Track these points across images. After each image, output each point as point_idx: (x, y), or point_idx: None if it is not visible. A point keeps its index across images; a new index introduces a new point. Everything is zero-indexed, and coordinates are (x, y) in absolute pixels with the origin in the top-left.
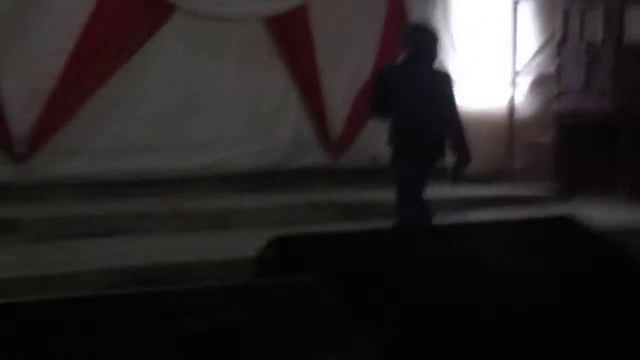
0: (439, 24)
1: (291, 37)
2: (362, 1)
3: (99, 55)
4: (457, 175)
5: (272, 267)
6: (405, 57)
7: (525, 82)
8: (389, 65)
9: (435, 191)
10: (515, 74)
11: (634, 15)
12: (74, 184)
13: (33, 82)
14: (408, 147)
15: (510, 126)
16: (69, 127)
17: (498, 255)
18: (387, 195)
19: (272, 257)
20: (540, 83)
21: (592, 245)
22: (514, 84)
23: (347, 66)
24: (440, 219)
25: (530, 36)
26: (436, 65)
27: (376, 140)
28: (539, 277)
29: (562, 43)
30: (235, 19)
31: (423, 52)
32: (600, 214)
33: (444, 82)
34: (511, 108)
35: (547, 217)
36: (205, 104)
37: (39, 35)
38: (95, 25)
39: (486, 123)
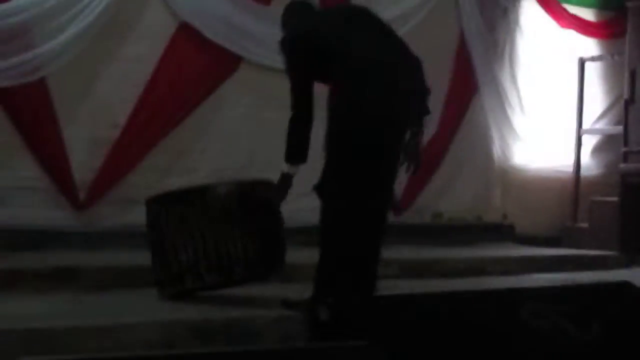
0: (506, 83)
1: None
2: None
3: (164, 105)
4: None
5: (326, 330)
6: None
7: (591, 141)
8: None
9: (498, 251)
10: (582, 132)
11: None
12: (135, 234)
13: (97, 130)
14: None
15: (576, 185)
16: (132, 176)
17: (557, 321)
18: (450, 253)
19: (325, 319)
20: (606, 142)
21: None
22: (580, 143)
23: None
24: (503, 281)
25: (597, 95)
26: None
27: (438, 197)
28: (598, 344)
29: (629, 102)
30: None
31: None
32: None
33: None
34: (577, 167)
35: (608, 283)
36: (269, 158)
37: (105, 84)
38: (161, 75)
39: (552, 182)
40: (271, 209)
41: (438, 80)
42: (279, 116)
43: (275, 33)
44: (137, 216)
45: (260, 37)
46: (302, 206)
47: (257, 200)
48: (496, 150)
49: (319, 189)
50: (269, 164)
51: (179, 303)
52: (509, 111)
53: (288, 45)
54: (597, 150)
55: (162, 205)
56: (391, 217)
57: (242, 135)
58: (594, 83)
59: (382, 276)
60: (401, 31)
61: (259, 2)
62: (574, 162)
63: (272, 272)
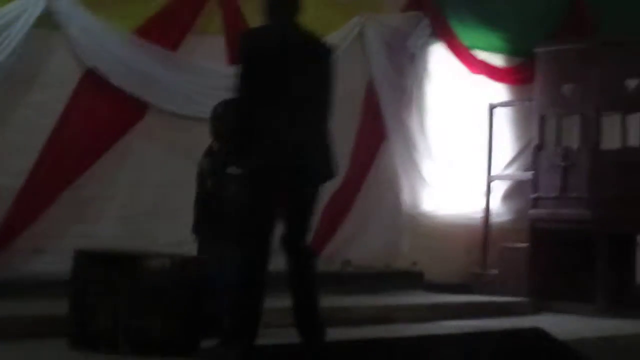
0: (415, 129)
1: None
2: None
3: (70, 153)
4: None
5: None
6: None
7: (501, 188)
8: None
9: (408, 298)
10: (492, 179)
11: (609, 123)
12: (41, 283)
13: (1, 178)
14: None
15: (485, 232)
16: (38, 225)
17: None
18: (358, 300)
19: None
20: (516, 188)
21: (562, 357)
22: (489, 189)
23: None
24: (413, 328)
25: (507, 141)
26: None
27: (348, 244)
28: None
29: (538, 149)
30: (206, 119)
31: None
32: (574, 324)
33: None
34: (487, 213)
35: (518, 329)
36: (177, 206)
37: (9, 131)
38: (66, 123)
39: (462, 228)
40: (202, 287)
41: (346, 126)
42: (186, 163)
43: (181, 80)
44: (43, 265)
45: (166, 83)
46: None
47: (187, 280)
48: (405, 196)
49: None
50: (176, 212)
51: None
52: (417, 157)
53: None
54: (507, 196)
55: (89, 262)
56: None
57: (148, 183)
58: (504, 128)
59: (284, 325)
60: None
61: (165, 48)
62: (484, 208)
63: (193, 350)
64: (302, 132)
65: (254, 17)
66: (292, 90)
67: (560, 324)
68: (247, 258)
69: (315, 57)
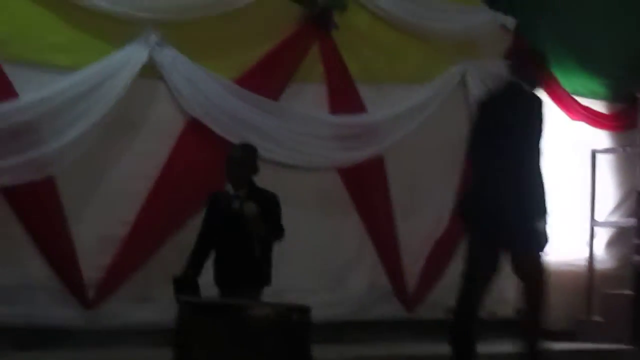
0: None
1: (367, 186)
2: (438, 154)
3: (174, 201)
4: None
5: None
6: None
7: (604, 234)
8: None
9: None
10: (595, 225)
11: None
12: (145, 331)
13: (106, 228)
14: None
15: (589, 278)
16: (141, 273)
17: None
18: None
19: None
20: (619, 235)
21: None
22: (593, 235)
23: (423, 217)
24: None
25: (609, 188)
26: None
27: (451, 292)
28: None
29: None
30: (311, 168)
31: None
32: None
33: None
34: (590, 260)
35: None
36: (279, 254)
37: (114, 180)
38: (170, 171)
39: (565, 275)
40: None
41: (449, 172)
42: (288, 211)
43: (284, 128)
44: (147, 314)
45: (269, 132)
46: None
47: (290, 329)
48: None
49: None
50: (278, 259)
51: None
52: None
53: None
54: (611, 242)
55: (194, 311)
56: (404, 312)
57: None
58: (607, 175)
59: None
60: (413, 124)
61: (268, 97)
62: (587, 255)
63: None
64: None
65: (355, 65)
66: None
67: None
68: None
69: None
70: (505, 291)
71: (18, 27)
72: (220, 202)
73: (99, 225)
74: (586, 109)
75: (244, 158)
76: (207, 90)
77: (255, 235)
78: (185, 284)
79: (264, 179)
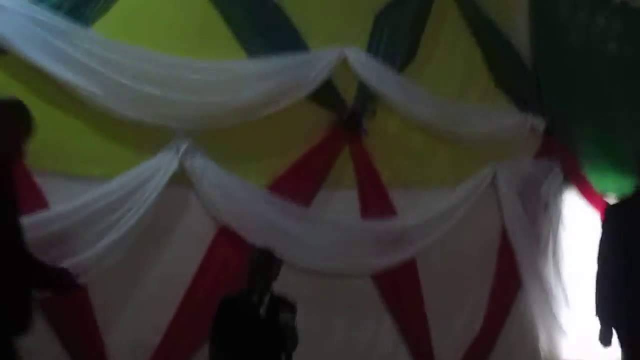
0: (551, 277)
1: (400, 290)
2: (470, 255)
3: (206, 309)
4: None
5: None
6: None
7: None
8: None
9: None
10: None
11: None
12: None
13: (139, 335)
14: None
15: None
16: None
17: None
18: None
19: None
20: None
21: None
22: None
23: (457, 319)
24: None
25: None
26: None
27: None
28: None
29: None
30: (344, 274)
31: None
32: None
33: None
34: None
35: None
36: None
37: (146, 288)
38: (202, 278)
39: None
40: None
41: (482, 275)
42: (321, 317)
43: (317, 235)
44: None
45: (301, 239)
46: None
47: None
48: (543, 346)
49: None
50: None
51: None
52: (554, 306)
53: None
54: None
55: None
56: None
57: None
58: None
59: None
60: (444, 227)
61: (299, 203)
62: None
63: None
64: None
65: (386, 170)
66: None
67: None
68: None
69: None
70: None
71: (49, 139)
72: (239, 308)
73: (131, 333)
74: None
75: (268, 263)
76: (237, 197)
77: (290, 346)
78: None
79: (294, 286)
